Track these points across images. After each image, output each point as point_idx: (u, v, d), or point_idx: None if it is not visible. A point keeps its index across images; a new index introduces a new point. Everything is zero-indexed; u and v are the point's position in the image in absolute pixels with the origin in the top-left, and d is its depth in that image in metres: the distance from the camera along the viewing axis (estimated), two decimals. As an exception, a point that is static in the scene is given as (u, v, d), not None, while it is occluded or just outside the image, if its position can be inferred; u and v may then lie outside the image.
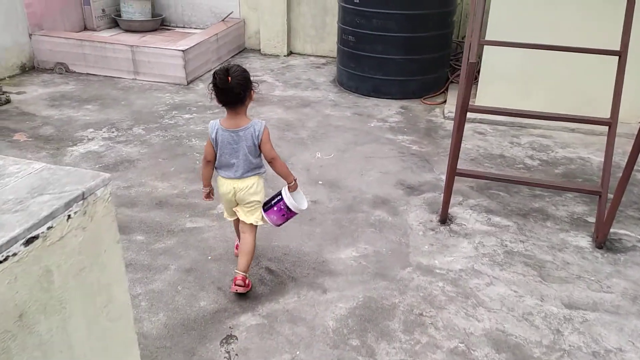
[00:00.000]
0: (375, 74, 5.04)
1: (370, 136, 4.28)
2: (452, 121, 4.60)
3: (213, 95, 2.35)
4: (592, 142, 4.19)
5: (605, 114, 4.20)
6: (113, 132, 4.23)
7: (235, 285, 2.46)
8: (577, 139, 4.27)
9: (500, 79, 4.56)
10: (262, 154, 2.45)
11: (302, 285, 2.61)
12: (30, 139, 4.06)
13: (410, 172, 3.72)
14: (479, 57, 4.96)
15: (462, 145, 4.11)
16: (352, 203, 3.32)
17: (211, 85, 2.32)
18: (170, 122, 4.46)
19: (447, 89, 5.28)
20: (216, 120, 2.45)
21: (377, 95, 5.11)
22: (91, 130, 4.24)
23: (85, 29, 6.38)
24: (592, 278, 2.67)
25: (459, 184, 3.34)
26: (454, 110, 4.74)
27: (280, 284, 2.62)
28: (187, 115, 4.59)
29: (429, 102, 5.01)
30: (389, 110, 4.83)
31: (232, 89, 2.27)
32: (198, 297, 2.51)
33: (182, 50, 5.21)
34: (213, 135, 2.42)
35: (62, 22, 5.99)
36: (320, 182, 3.56)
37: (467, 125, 4.50)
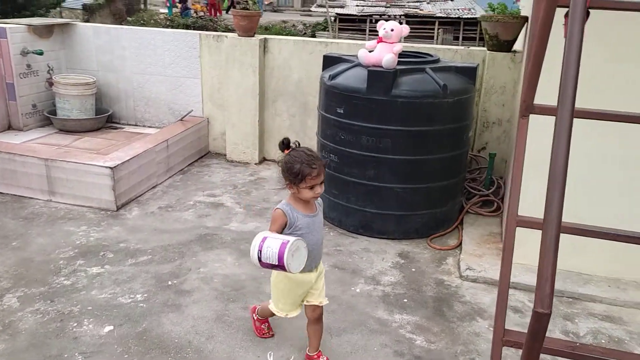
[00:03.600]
0: (364, 206, 3.72)
1: (353, 315, 2.89)
2: (473, 284, 3.25)
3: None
4: (686, 334, 2.80)
5: None
6: (-29, 304, 2.85)
7: None
8: (662, 325, 2.88)
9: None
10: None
11: None
12: None
13: (414, 404, 2.30)
14: (500, 180, 3.46)
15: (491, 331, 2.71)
16: None
17: None
18: (66, 282, 3.08)
19: (461, 223, 3.95)
20: None
21: (368, 233, 3.77)
22: (-61, 300, 2.87)
23: (10, 128, 5.17)
24: None
25: None
26: (473, 264, 3.40)
27: None
28: (95, 269, 3.23)
29: (437, 247, 3.65)
30: (382, 260, 3.47)
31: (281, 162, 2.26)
32: None
33: (111, 168, 3.93)
34: None
35: (-25, 121, 4.78)
36: None
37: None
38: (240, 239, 3.68)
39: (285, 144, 2.24)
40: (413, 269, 3.38)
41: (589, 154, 2.94)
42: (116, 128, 5.49)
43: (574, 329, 2.83)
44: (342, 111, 3.63)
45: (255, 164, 5.15)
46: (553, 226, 1.31)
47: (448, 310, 2.97)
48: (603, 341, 2.73)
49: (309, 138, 5.05)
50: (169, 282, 3.13)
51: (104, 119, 5.40)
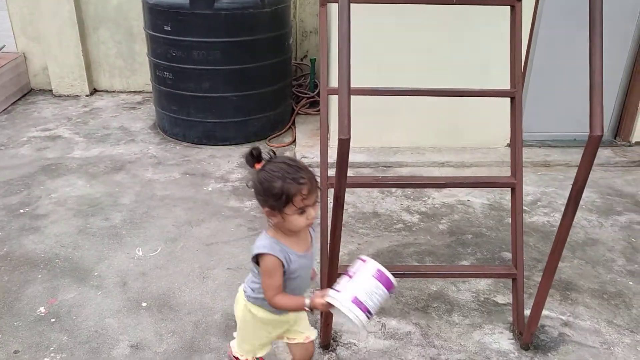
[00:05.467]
0: (205, 117, 4.01)
1: (209, 208, 3.26)
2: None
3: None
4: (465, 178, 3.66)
5: (476, 141, 3.73)
6: None
7: None
8: (449, 175, 3.72)
9: (356, 113, 3.84)
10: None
11: None
12: None
13: (269, 261, 2.79)
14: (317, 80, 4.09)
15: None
16: (194, 336, 2.29)
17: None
18: None
19: (294, 124, 4.45)
20: None
21: (212, 142, 4.09)
22: None
23: None
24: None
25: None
26: (307, 153, 3.93)
27: None
28: None
29: (275, 145, 4.12)
30: (228, 163, 3.84)
31: (252, 181, 1.59)
32: None
33: None
34: None
35: None
36: (143, 305, 2.47)
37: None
38: (87, 164, 3.76)
39: (255, 157, 1.56)
40: (256, 165, 3.81)
41: (387, 40, 3.56)
42: None
43: (387, 188, 3.53)
44: (169, 28, 3.78)
45: (87, 95, 5.05)
46: (344, 81, 1.78)
47: (289, 191, 3.48)
48: (409, 193, 3.47)
49: (138, 64, 5.08)
50: (21, 210, 3.17)
51: None
